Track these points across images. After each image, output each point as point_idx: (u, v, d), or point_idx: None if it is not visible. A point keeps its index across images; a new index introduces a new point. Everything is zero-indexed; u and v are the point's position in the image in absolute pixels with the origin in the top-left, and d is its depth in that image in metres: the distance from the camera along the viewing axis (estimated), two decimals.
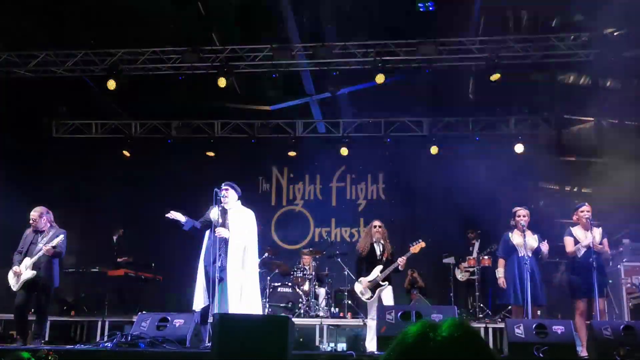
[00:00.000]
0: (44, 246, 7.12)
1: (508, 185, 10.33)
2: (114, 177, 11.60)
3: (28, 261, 7.18)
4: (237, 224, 6.74)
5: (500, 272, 7.27)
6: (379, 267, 7.61)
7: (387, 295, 7.58)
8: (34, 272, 7.13)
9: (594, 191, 10.81)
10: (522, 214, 7.28)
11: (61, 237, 7.20)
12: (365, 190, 12.47)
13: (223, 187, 6.82)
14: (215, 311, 6.15)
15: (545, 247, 7.09)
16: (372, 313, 7.57)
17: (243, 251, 6.68)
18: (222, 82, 9.55)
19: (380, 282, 7.56)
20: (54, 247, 7.12)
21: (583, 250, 6.95)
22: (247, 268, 6.68)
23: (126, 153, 11.69)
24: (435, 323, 1.29)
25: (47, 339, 8.92)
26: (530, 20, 9.40)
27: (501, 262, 7.35)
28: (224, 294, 6.51)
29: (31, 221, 7.33)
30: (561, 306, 8.99)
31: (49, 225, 7.38)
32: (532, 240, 7.16)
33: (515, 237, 7.24)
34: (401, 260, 7.46)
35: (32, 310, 7.54)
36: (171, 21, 9.25)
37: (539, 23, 9.40)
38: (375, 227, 7.82)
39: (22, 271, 7.14)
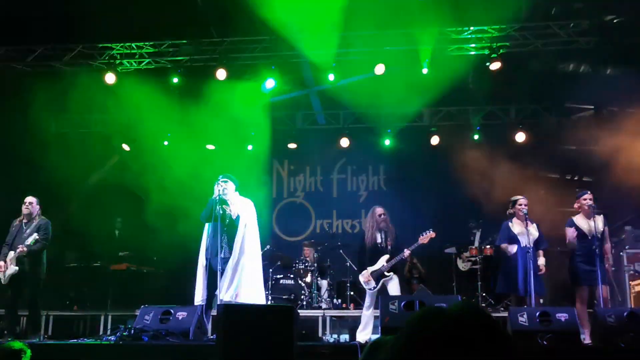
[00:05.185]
0: (19, 247, 7.13)
1: (508, 174, 10.30)
2: (115, 172, 11.54)
3: (12, 255, 7.18)
4: (238, 214, 6.70)
5: (510, 250, 7.19)
6: (385, 257, 7.43)
7: (394, 287, 7.37)
8: (17, 267, 7.13)
9: (595, 179, 10.78)
10: (523, 203, 7.25)
11: (35, 235, 7.19)
12: (366, 182, 12.44)
13: (221, 179, 6.76)
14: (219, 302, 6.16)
15: (541, 261, 7.06)
16: (368, 302, 7.42)
17: (245, 241, 6.67)
18: (221, 75, 9.51)
19: (386, 273, 7.37)
20: (27, 246, 7.13)
21: (590, 238, 6.92)
22: (249, 257, 6.66)
23: (126, 147, 11.66)
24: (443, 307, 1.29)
25: (50, 333, 8.93)
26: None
27: (504, 246, 7.30)
28: (227, 284, 6.51)
29: (27, 204, 7.38)
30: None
31: (39, 214, 7.47)
32: (533, 229, 7.13)
33: (516, 227, 7.21)
34: (407, 251, 7.39)
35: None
36: (169, 14, 9.18)
37: (538, 11, 9.33)
38: (377, 214, 7.62)
39: (8, 265, 7.15)
